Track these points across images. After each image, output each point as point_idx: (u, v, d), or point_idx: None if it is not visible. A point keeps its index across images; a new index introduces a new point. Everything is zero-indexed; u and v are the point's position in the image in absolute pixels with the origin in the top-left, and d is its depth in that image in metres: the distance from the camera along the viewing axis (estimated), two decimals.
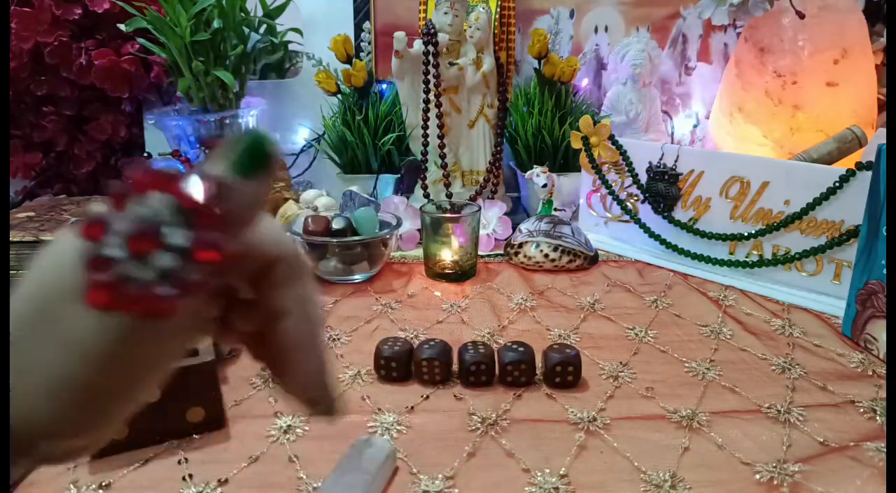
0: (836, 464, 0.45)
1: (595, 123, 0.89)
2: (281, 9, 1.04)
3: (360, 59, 1.07)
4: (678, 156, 0.82)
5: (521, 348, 0.55)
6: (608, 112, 1.06)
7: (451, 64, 0.93)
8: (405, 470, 0.44)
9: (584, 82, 1.11)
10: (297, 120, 1.14)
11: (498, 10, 1.03)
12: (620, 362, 0.59)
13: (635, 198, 0.88)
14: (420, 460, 0.45)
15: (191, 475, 0.45)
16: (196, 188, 0.18)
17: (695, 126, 1.13)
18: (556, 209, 0.93)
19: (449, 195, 0.93)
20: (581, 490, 0.42)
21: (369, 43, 1.12)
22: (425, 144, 0.94)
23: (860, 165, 0.67)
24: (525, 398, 0.53)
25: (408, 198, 0.96)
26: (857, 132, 0.87)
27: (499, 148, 0.98)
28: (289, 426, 0.50)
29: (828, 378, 0.56)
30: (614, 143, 0.88)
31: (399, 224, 0.81)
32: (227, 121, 1.00)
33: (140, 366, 0.19)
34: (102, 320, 0.17)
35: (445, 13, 0.91)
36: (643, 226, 0.87)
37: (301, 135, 1.14)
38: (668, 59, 1.13)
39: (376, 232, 0.78)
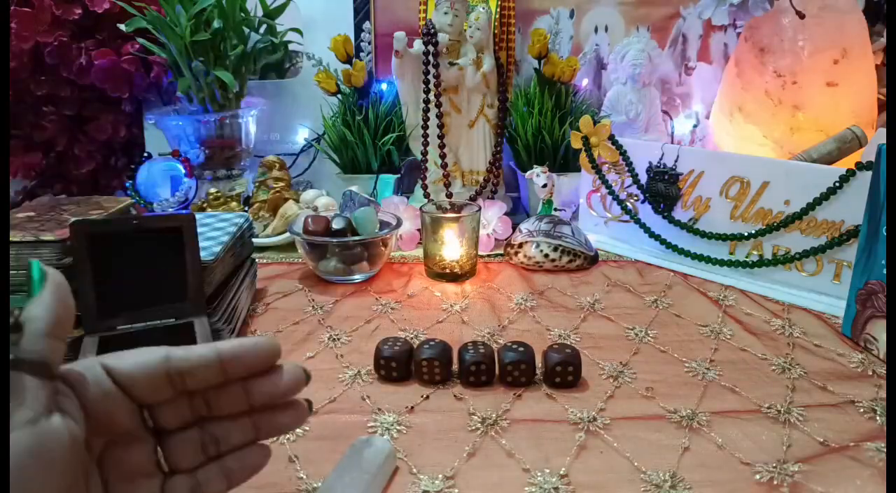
0: (836, 464, 0.45)
1: (595, 123, 0.89)
2: (281, 9, 1.04)
3: (360, 59, 1.07)
4: (678, 156, 0.82)
5: (521, 348, 0.55)
6: (608, 112, 1.06)
7: (451, 64, 0.93)
8: (405, 470, 0.44)
9: (584, 82, 1.11)
10: (297, 120, 1.14)
11: (498, 10, 1.03)
12: (620, 362, 0.59)
13: (635, 198, 0.88)
14: (420, 460, 0.45)
15: None
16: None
17: (695, 126, 1.13)
18: (556, 209, 0.93)
19: (449, 195, 0.93)
20: (581, 490, 0.42)
21: (369, 43, 1.12)
22: (425, 144, 0.94)
23: (860, 165, 0.67)
24: (525, 398, 0.53)
25: (408, 198, 0.96)
26: (857, 132, 0.87)
27: (499, 148, 0.98)
28: None
29: (828, 378, 0.56)
30: (614, 143, 0.88)
31: (399, 224, 0.81)
32: (227, 121, 1.00)
33: None
34: None
35: (445, 13, 0.91)
36: (643, 226, 0.87)
37: (301, 135, 1.14)
38: (668, 60, 1.13)
39: (376, 232, 0.78)
